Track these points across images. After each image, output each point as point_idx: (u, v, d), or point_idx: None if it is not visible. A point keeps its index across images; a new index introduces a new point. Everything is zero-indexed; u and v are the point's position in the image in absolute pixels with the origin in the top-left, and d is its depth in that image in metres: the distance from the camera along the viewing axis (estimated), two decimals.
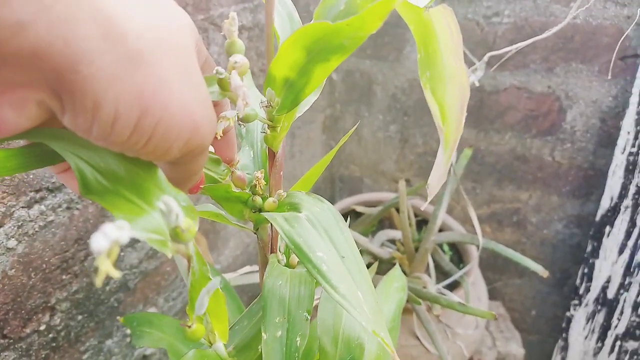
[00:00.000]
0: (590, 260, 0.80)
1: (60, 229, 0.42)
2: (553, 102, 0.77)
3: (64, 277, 0.43)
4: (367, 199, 0.85)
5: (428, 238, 0.67)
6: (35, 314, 0.41)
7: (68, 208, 0.42)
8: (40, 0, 0.13)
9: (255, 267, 0.58)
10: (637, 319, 0.77)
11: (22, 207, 0.38)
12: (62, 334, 0.45)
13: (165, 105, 0.17)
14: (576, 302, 0.83)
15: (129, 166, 0.19)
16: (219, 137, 0.22)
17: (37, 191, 0.39)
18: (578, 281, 0.82)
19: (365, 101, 0.91)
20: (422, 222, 0.81)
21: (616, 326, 0.80)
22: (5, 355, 0.39)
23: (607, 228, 0.76)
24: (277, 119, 0.24)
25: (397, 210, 0.73)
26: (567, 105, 0.76)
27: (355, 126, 0.36)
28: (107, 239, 0.13)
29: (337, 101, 0.94)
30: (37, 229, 0.40)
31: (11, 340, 0.40)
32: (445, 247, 0.78)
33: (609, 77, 0.71)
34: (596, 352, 0.84)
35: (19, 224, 0.38)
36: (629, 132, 0.70)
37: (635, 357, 0.80)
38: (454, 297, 0.62)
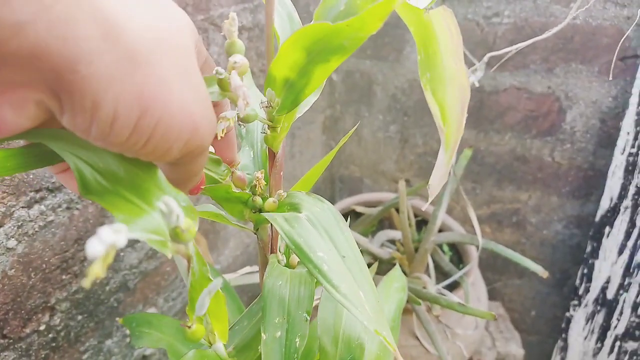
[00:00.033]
0: (590, 261, 0.80)
1: (60, 229, 0.42)
2: (553, 103, 0.77)
3: (63, 277, 0.43)
4: (367, 199, 0.85)
5: (428, 238, 0.67)
6: (35, 314, 0.41)
7: (68, 208, 0.42)
8: (40, 0, 0.13)
9: (255, 268, 0.58)
10: (637, 320, 0.77)
11: (22, 207, 0.38)
12: (62, 334, 0.45)
13: (165, 106, 0.16)
14: (576, 302, 0.83)
15: (129, 166, 0.19)
16: (220, 138, 0.22)
17: (37, 191, 0.39)
18: (578, 282, 0.82)
19: (365, 101, 0.91)
20: (422, 223, 0.81)
21: (616, 327, 0.80)
22: (5, 355, 0.39)
23: (607, 229, 0.76)
24: (277, 120, 0.24)
25: (397, 210, 0.73)
26: (567, 105, 0.76)
27: (356, 127, 0.36)
28: (102, 243, 0.13)
29: (337, 101, 0.94)
30: (37, 229, 0.40)
31: (11, 340, 0.40)
32: (445, 248, 0.78)
33: (610, 78, 0.71)
34: (596, 353, 0.84)
35: (19, 224, 0.38)
36: (628, 133, 0.70)
37: (634, 357, 0.80)
38: (454, 297, 0.62)
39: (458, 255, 0.77)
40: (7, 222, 0.37)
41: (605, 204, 0.75)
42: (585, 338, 0.84)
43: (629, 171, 0.71)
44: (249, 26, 0.64)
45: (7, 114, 0.15)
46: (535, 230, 0.88)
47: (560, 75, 0.74)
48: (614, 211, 0.75)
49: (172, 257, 0.20)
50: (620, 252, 0.76)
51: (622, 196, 0.73)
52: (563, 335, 0.87)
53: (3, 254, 0.37)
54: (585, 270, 0.81)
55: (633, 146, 0.70)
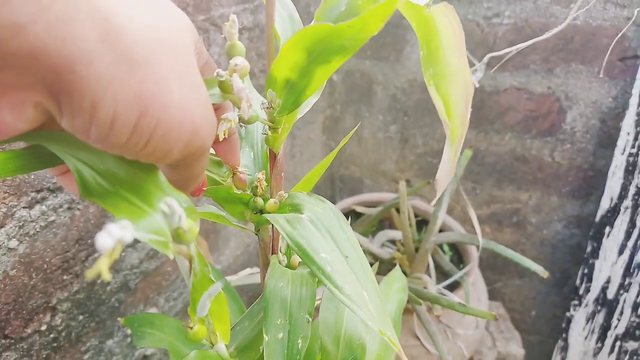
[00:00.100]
0: (590, 261, 0.80)
1: (61, 229, 0.42)
2: (553, 103, 0.77)
3: (65, 277, 0.43)
4: (368, 199, 0.85)
5: (428, 238, 0.67)
6: (37, 314, 0.41)
7: (69, 208, 0.42)
8: (39, 1, 0.13)
9: (256, 270, 0.58)
10: (637, 320, 0.77)
11: (24, 208, 0.38)
12: (63, 334, 0.45)
13: (164, 106, 0.16)
14: (576, 302, 0.83)
15: (129, 168, 0.19)
16: (221, 139, 0.22)
17: (38, 191, 0.39)
18: (578, 281, 0.82)
19: (366, 102, 0.91)
20: (422, 223, 0.81)
21: (616, 326, 0.80)
22: (7, 356, 0.39)
23: (607, 229, 0.76)
24: (278, 121, 0.24)
25: (398, 210, 0.73)
26: (567, 106, 0.76)
27: (356, 128, 0.36)
28: (112, 237, 0.13)
29: (337, 102, 0.94)
30: (38, 229, 0.40)
31: (12, 341, 0.40)
32: (446, 248, 0.78)
33: (601, 75, 0.71)
34: (596, 353, 0.84)
35: (20, 224, 0.38)
36: (628, 133, 0.70)
37: (635, 357, 0.80)
38: (454, 297, 0.62)
39: (458, 255, 0.77)
40: (8, 223, 0.37)
41: (605, 204, 0.75)
42: (586, 338, 0.84)
43: (629, 171, 0.71)
44: (250, 26, 0.64)
45: (6, 116, 0.15)
46: (535, 230, 0.88)
47: (561, 75, 0.74)
48: (614, 211, 0.75)
49: (174, 258, 0.20)
50: (621, 252, 0.76)
51: (622, 196, 0.73)
52: (563, 335, 0.87)
53: (4, 254, 0.37)
54: (586, 270, 0.81)
55: (633, 146, 0.70)
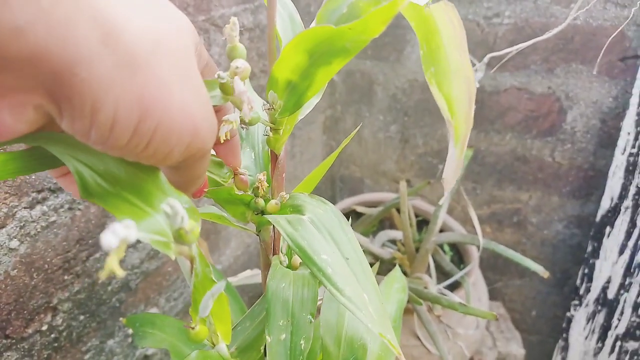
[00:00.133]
0: (591, 261, 0.80)
1: (62, 229, 0.42)
2: (553, 103, 0.77)
3: (65, 277, 0.43)
4: (368, 199, 0.86)
5: (429, 238, 0.67)
6: (38, 314, 0.41)
7: (70, 209, 0.43)
8: (39, 3, 0.13)
9: (256, 272, 0.58)
10: (638, 319, 0.77)
11: (25, 208, 0.38)
12: (64, 334, 0.45)
13: (165, 108, 0.16)
14: (576, 302, 0.83)
15: (129, 168, 0.19)
16: (222, 141, 0.22)
17: (39, 192, 0.39)
18: (578, 281, 0.82)
19: (366, 102, 0.91)
20: (422, 223, 0.81)
21: (616, 326, 0.80)
22: (8, 356, 0.40)
23: (608, 228, 0.76)
24: (280, 122, 0.24)
25: (398, 210, 0.73)
26: (568, 106, 0.76)
27: (357, 128, 0.36)
28: (116, 236, 0.13)
29: (337, 102, 0.94)
30: (39, 230, 0.40)
31: (13, 341, 0.40)
32: (446, 248, 0.78)
33: (594, 73, 0.71)
34: (596, 353, 0.84)
35: (21, 224, 0.38)
36: (629, 133, 0.70)
37: (635, 357, 0.80)
38: (455, 297, 0.62)
39: (459, 256, 0.77)
40: (9, 223, 0.37)
41: (605, 204, 0.75)
42: (586, 338, 0.84)
43: (630, 171, 0.71)
44: (250, 27, 0.64)
45: (6, 118, 0.15)
46: (535, 230, 0.88)
47: (561, 75, 0.74)
48: (614, 211, 0.75)
49: (175, 258, 0.20)
50: (621, 252, 0.76)
51: (622, 196, 0.73)
52: (564, 335, 0.87)
53: (5, 254, 0.37)
54: (586, 270, 0.81)
55: (633, 146, 0.70)
